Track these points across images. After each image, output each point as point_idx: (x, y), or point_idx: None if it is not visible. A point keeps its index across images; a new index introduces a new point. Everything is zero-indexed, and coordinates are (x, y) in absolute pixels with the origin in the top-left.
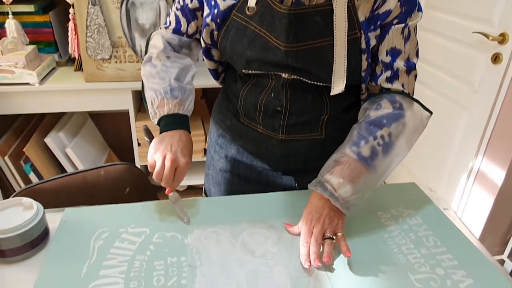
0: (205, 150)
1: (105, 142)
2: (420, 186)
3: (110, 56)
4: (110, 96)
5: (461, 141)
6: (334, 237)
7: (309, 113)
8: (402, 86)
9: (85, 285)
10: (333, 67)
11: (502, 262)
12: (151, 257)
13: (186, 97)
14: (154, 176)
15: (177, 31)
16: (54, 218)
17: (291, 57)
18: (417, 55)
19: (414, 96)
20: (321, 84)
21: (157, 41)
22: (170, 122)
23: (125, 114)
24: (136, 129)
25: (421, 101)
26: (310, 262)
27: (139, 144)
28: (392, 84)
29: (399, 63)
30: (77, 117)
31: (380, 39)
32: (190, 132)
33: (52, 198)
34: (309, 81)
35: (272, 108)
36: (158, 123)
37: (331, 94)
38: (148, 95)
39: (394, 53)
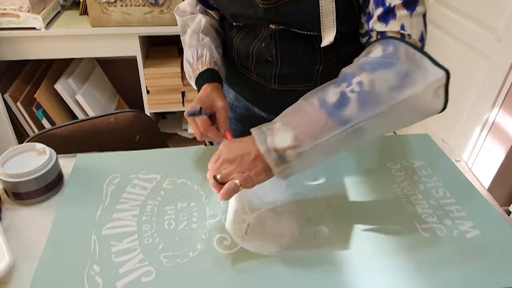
0: None
1: (114, 90)
2: (433, 137)
3: None
4: (117, 41)
5: (478, 92)
6: (220, 180)
7: (301, 63)
8: (402, 27)
9: (100, 227)
10: (320, 17)
11: (508, 212)
12: (162, 202)
13: (201, 55)
14: (198, 138)
15: None
16: (67, 164)
17: (271, 14)
18: None
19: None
20: (312, 33)
21: (178, 22)
22: (197, 86)
23: (134, 61)
24: (144, 76)
25: (436, 59)
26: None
27: (148, 92)
28: (386, 24)
29: None
30: (86, 64)
31: None
32: (220, 82)
33: (64, 144)
34: (299, 31)
35: (263, 58)
36: None
37: (322, 45)
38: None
39: None
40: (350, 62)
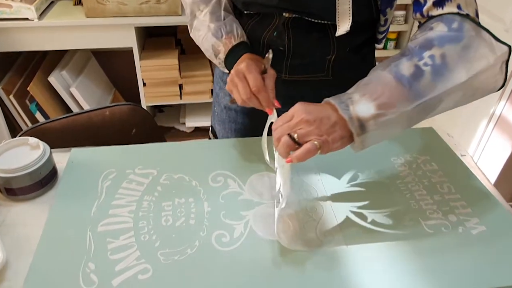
0: (212, 90)
1: (110, 82)
2: (437, 131)
3: None
4: (112, 32)
5: None
6: (298, 141)
7: (314, 53)
8: (458, 7)
9: (96, 223)
10: (336, 5)
11: None
12: (159, 197)
13: (230, 29)
14: (239, 98)
15: None
16: (61, 158)
17: (286, 2)
18: None
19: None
20: (326, 22)
21: (187, 6)
22: (230, 60)
23: (130, 52)
24: (141, 68)
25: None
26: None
27: (144, 84)
28: (442, 8)
29: None
30: (80, 56)
31: None
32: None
33: (58, 138)
34: (313, 20)
35: (275, 48)
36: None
37: (336, 35)
38: (208, 55)
39: None
40: (362, 51)
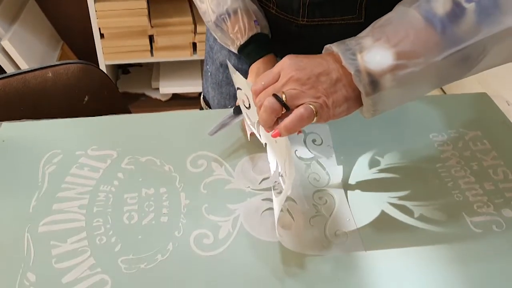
0: (194, 44)
1: (56, 33)
2: (493, 97)
3: None
4: None
5: None
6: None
7: None
8: None
9: (35, 221)
10: None
11: None
12: (120, 188)
13: (234, 14)
14: None
15: None
16: None
17: None
18: None
19: None
20: None
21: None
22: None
23: None
24: (96, 14)
25: None
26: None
27: (102, 36)
28: None
29: None
30: None
31: None
32: (269, 48)
33: None
34: None
35: None
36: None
37: None
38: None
39: None
40: None
